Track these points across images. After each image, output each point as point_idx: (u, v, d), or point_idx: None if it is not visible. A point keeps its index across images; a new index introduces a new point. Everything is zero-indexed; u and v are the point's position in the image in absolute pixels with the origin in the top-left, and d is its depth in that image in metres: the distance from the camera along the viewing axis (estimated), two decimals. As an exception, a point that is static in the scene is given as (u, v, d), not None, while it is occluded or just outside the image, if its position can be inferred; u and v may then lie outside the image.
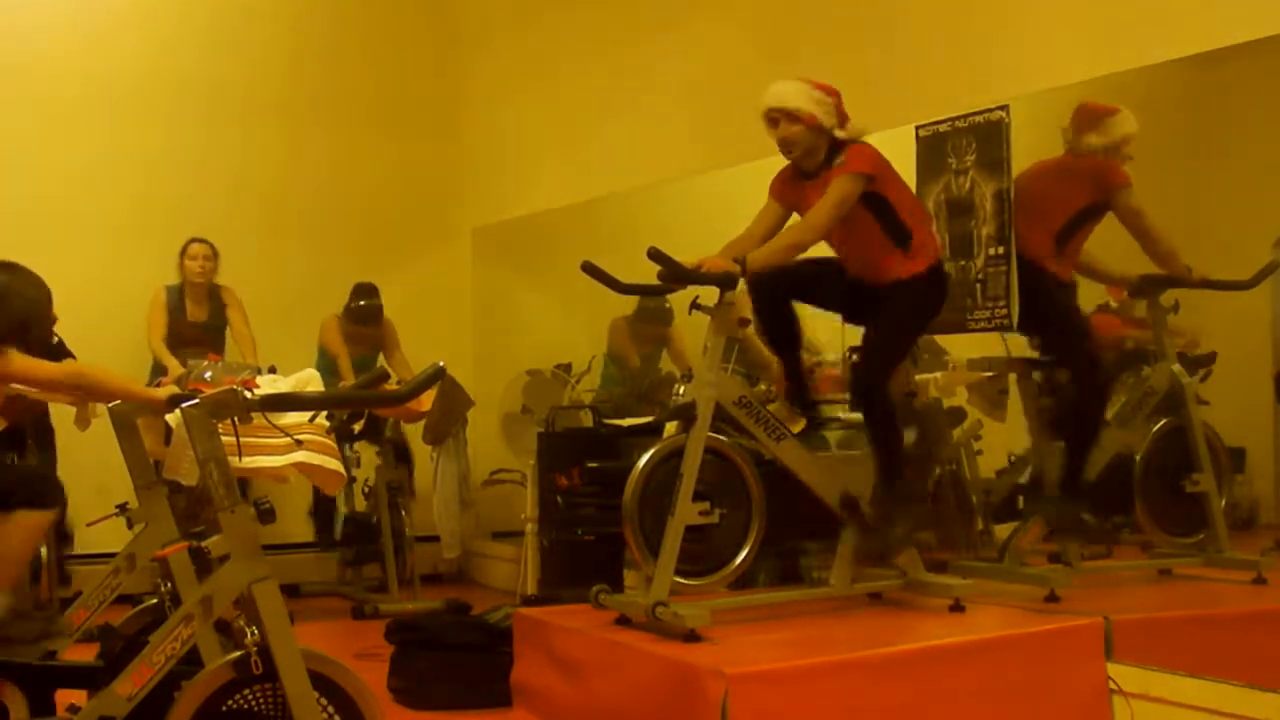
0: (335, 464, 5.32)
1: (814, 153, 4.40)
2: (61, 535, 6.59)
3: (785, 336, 4.60)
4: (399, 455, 7.19)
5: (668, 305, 6.94)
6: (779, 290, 4.50)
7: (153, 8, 7.83)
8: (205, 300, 7.11)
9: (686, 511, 4.11)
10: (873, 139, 4.45)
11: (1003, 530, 5.44)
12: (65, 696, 3.55)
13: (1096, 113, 4.87)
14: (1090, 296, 5.21)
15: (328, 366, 7.08)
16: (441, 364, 3.17)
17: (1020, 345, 5.11)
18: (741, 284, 4.31)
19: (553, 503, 6.29)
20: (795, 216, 4.51)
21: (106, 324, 7.02)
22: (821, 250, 4.56)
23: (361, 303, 7.24)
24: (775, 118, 4.41)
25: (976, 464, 5.93)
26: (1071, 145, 4.92)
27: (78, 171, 7.54)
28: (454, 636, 4.96)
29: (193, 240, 7.08)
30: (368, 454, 7.17)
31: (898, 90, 5.27)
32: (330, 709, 3.05)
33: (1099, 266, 5.06)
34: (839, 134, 4.37)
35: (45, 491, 3.94)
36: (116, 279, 7.28)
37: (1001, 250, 4.65)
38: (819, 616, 4.47)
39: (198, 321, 7.08)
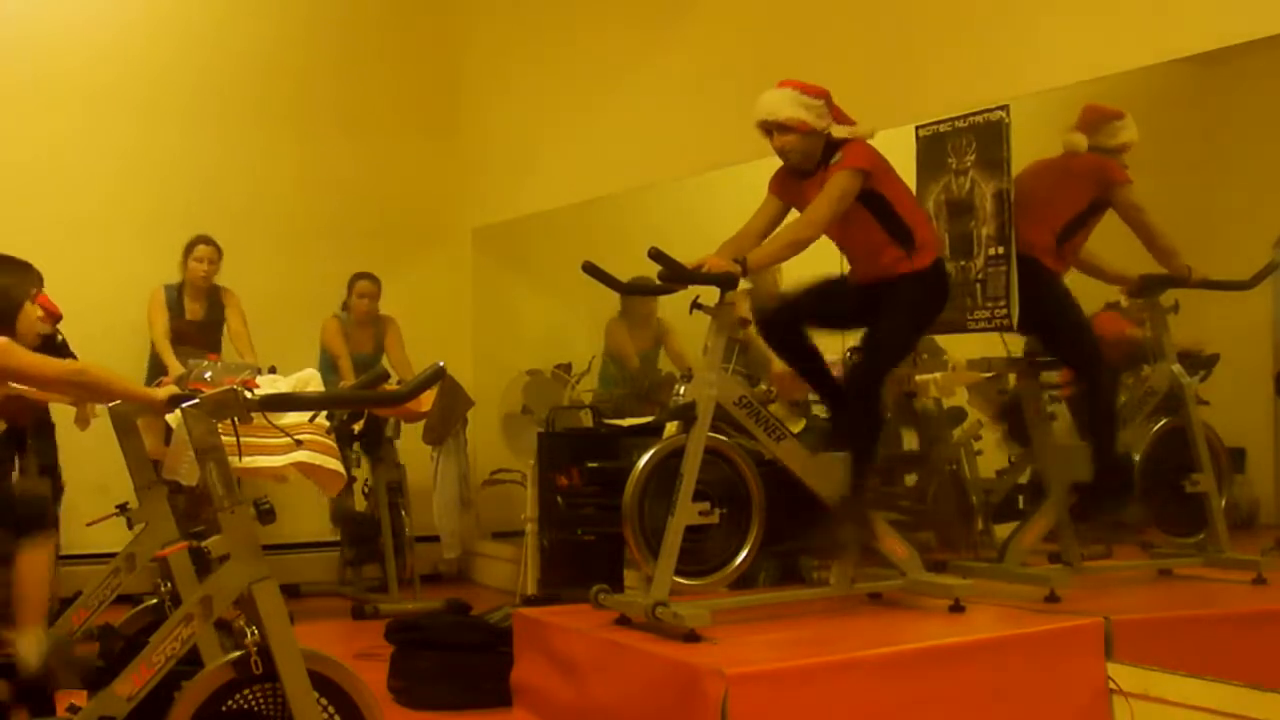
0: (335, 464, 5.34)
1: (811, 156, 4.42)
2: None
3: (805, 360, 4.62)
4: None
5: (654, 304, 6.97)
6: (789, 327, 4.56)
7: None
8: (204, 299, 7.12)
9: (686, 511, 4.11)
10: (873, 139, 4.45)
11: (1003, 530, 5.44)
12: (65, 696, 3.55)
13: (1104, 115, 4.86)
14: (1098, 295, 5.20)
15: (329, 366, 7.09)
16: (441, 364, 3.17)
17: (1020, 346, 5.10)
18: (742, 283, 4.31)
19: (553, 503, 6.29)
20: (794, 213, 4.51)
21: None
22: (819, 251, 4.56)
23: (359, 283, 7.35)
24: (768, 128, 4.43)
25: (976, 464, 5.93)
26: (1073, 146, 4.91)
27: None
28: (454, 636, 4.96)
29: (199, 241, 7.06)
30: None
31: (898, 90, 5.27)
32: (330, 709, 3.05)
33: (1100, 265, 5.06)
34: (835, 133, 4.38)
35: (41, 513, 3.97)
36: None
37: (1001, 250, 4.65)
38: (819, 616, 4.47)
39: (196, 320, 7.08)
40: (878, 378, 4.48)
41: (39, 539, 3.82)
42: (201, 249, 7.04)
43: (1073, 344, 4.84)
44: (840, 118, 4.43)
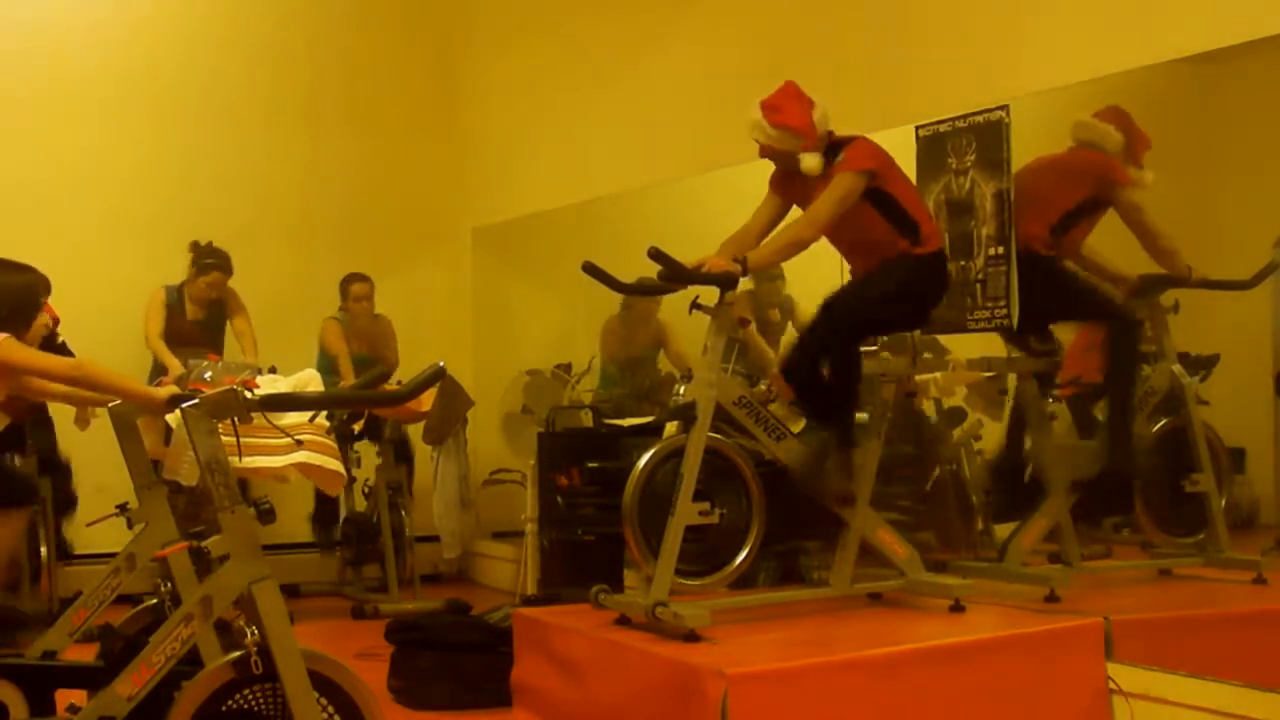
0: (335, 464, 5.31)
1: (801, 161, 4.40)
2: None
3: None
4: (399, 454, 7.19)
5: (654, 305, 6.97)
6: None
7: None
8: (206, 302, 7.11)
9: (686, 511, 4.11)
10: (872, 139, 4.45)
11: (1003, 530, 5.44)
12: (65, 696, 3.55)
13: (1142, 142, 4.85)
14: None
15: (328, 366, 7.08)
16: (441, 364, 3.16)
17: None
18: (742, 283, 4.30)
19: (553, 503, 6.29)
20: (795, 211, 4.51)
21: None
22: (819, 251, 4.56)
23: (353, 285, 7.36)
24: None
25: (976, 464, 5.93)
26: (1106, 139, 4.88)
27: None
28: (454, 636, 4.96)
29: (215, 267, 6.99)
30: (368, 454, 7.18)
31: (898, 90, 5.27)
32: (330, 709, 3.05)
33: (1102, 264, 5.06)
34: (840, 133, 4.37)
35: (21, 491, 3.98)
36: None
37: (1001, 250, 4.65)
38: (819, 616, 4.47)
39: (197, 320, 7.08)
40: (850, 326, 4.40)
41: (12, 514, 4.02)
42: (216, 275, 7.00)
43: (1084, 302, 4.83)
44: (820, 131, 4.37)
